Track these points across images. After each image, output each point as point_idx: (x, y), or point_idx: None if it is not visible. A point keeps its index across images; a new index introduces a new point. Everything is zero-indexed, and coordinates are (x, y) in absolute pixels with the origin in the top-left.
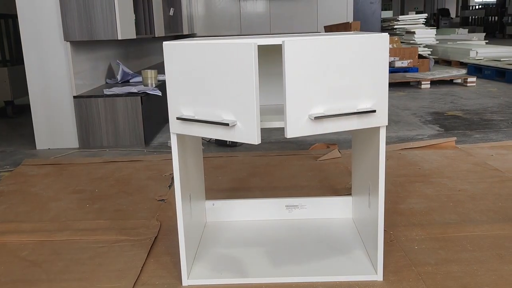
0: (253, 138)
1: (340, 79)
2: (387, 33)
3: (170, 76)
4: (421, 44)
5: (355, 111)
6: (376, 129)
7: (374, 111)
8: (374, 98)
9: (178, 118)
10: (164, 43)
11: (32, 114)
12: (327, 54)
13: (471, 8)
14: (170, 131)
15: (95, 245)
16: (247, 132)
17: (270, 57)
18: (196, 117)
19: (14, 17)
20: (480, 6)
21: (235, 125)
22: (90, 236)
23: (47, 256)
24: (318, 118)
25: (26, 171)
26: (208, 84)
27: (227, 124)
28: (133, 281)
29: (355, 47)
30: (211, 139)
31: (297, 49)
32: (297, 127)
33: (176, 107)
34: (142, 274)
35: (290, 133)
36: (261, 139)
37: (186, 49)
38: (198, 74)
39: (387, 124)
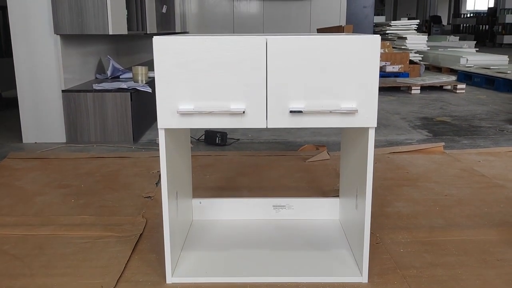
0: (263, 122)
1: (322, 78)
2: (376, 35)
3: (162, 71)
4: (413, 50)
5: (336, 109)
6: (365, 131)
7: (356, 110)
8: (359, 98)
9: (179, 112)
10: (155, 37)
11: (20, 107)
12: (309, 53)
13: (462, 16)
14: (158, 126)
15: (79, 240)
16: (256, 118)
17: None
18: (198, 109)
19: (4, 9)
20: (471, 15)
21: (244, 112)
22: (74, 231)
23: (30, 250)
24: (294, 112)
25: (11, 165)
26: (212, 76)
27: (241, 112)
28: (117, 277)
29: (338, 48)
30: (200, 137)
31: (280, 46)
32: (277, 119)
33: (171, 101)
34: (126, 271)
35: (270, 124)
36: (251, 139)
37: (187, 44)
38: (199, 67)
39: (375, 126)
